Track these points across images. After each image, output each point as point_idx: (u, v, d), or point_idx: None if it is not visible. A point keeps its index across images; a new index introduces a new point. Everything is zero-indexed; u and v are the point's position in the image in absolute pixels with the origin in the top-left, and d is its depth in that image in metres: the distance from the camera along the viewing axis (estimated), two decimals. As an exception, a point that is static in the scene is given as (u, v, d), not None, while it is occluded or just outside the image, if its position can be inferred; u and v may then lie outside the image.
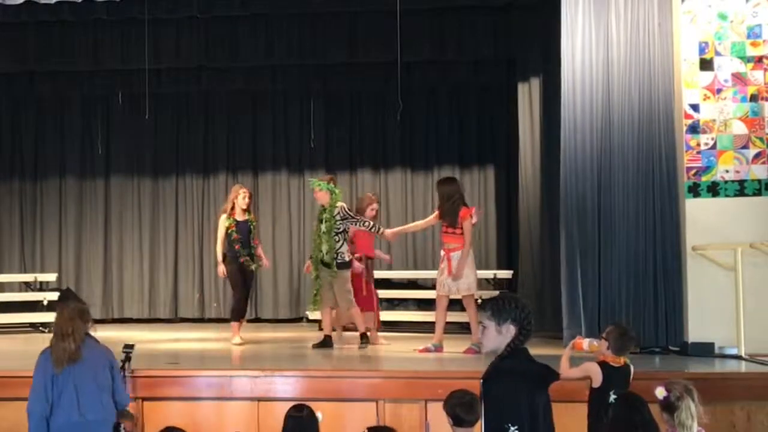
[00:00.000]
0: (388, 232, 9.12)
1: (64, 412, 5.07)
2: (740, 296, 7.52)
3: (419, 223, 9.51)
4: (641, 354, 7.83)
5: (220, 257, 9.32)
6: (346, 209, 8.78)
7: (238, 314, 9.47)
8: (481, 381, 3.97)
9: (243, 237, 9.25)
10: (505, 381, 3.87)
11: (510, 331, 3.92)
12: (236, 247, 9.21)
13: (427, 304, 10.90)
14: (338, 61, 11.63)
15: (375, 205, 9.33)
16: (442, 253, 8.48)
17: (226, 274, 9.33)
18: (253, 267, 9.35)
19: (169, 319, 12.38)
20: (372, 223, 8.97)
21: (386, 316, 11.38)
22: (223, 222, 9.31)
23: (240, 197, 9.31)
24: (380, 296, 11.98)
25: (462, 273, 8.29)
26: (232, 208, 9.32)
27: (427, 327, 9.64)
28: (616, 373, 5.36)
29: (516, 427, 3.73)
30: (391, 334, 10.40)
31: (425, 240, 12.10)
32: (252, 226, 9.42)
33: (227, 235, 9.24)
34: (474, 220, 8.36)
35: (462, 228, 8.25)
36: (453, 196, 8.37)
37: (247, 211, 9.37)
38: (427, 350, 8.28)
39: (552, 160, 9.21)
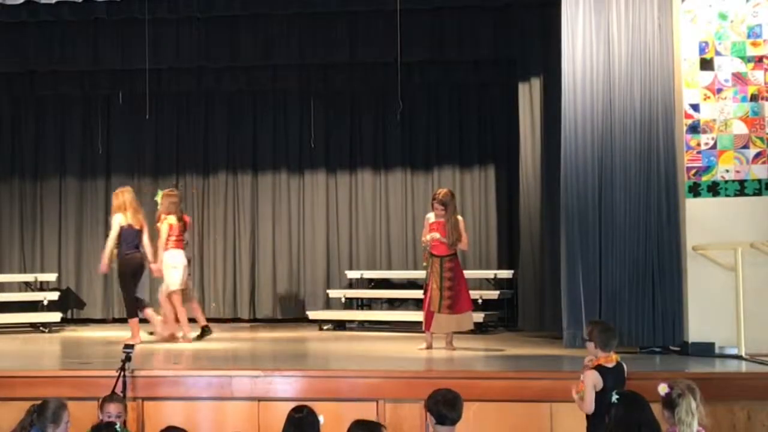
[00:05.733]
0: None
1: None
2: (740, 296, 7.51)
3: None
4: (641, 354, 7.85)
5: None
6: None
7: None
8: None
9: None
10: None
11: None
12: None
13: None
14: (338, 61, 11.63)
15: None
16: None
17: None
18: None
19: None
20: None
21: (386, 316, 11.43)
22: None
23: None
24: (380, 296, 12.07)
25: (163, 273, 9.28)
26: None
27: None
28: (611, 372, 5.42)
29: None
30: (390, 334, 10.42)
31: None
32: None
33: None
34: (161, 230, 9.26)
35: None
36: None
37: None
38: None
39: (552, 160, 9.21)
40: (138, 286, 9.34)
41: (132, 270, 9.22)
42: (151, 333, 9.57)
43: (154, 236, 9.46)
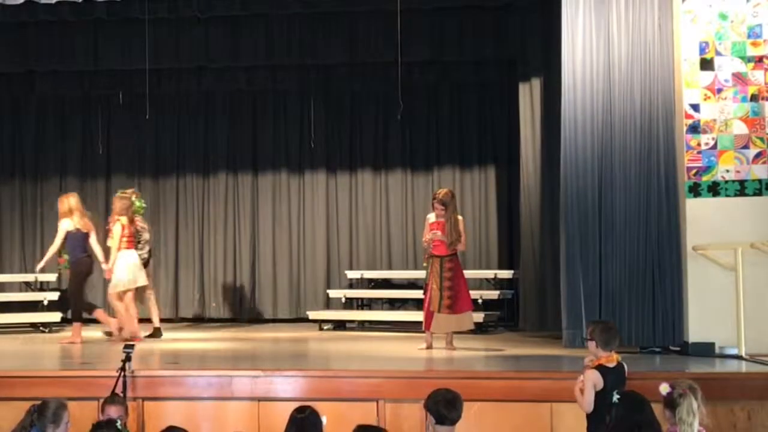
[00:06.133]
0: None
1: None
2: (740, 296, 7.51)
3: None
4: (641, 354, 7.85)
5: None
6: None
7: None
8: None
9: None
10: None
11: None
12: None
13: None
14: (338, 61, 11.63)
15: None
16: None
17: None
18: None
19: (169, 319, 12.37)
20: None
21: (386, 316, 11.42)
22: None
23: None
24: (380, 296, 12.07)
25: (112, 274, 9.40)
26: None
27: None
28: (612, 372, 5.42)
29: None
30: (391, 334, 10.42)
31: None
32: None
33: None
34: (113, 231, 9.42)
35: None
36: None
37: None
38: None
39: (553, 160, 9.21)
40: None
41: (84, 273, 9.51)
42: (108, 333, 9.78)
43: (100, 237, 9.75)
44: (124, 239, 9.44)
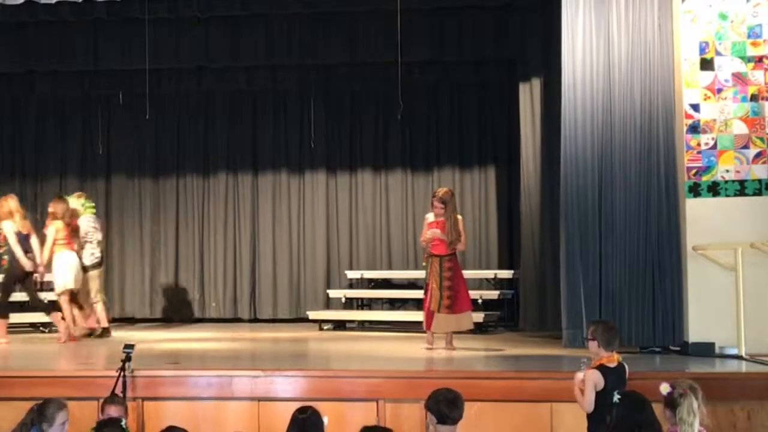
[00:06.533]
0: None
1: None
2: (740, 296, 7.51)
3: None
4: (641, 354, 7.85)
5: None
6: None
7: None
8: None
9: None
10: None
11: None
12: None
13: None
14: (338, 61, 11.64)
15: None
16: None
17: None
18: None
19: (169, 319, 12.38)
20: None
21: (386, 316, 11.42)
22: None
23: None
24: (380, 296, 12.07)
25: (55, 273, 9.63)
26: None
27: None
28: (613, 373, 5.42)
29: None
30: (391, 334, 10.42)
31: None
32: None
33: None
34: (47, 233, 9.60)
35: None
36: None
37: None
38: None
39: (553, 160, 9.21)
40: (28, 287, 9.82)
41: (24, 274, 9.54)
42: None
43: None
44: (61, 241, 9.60)
